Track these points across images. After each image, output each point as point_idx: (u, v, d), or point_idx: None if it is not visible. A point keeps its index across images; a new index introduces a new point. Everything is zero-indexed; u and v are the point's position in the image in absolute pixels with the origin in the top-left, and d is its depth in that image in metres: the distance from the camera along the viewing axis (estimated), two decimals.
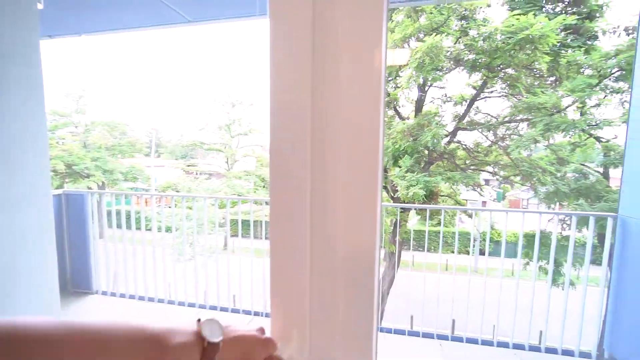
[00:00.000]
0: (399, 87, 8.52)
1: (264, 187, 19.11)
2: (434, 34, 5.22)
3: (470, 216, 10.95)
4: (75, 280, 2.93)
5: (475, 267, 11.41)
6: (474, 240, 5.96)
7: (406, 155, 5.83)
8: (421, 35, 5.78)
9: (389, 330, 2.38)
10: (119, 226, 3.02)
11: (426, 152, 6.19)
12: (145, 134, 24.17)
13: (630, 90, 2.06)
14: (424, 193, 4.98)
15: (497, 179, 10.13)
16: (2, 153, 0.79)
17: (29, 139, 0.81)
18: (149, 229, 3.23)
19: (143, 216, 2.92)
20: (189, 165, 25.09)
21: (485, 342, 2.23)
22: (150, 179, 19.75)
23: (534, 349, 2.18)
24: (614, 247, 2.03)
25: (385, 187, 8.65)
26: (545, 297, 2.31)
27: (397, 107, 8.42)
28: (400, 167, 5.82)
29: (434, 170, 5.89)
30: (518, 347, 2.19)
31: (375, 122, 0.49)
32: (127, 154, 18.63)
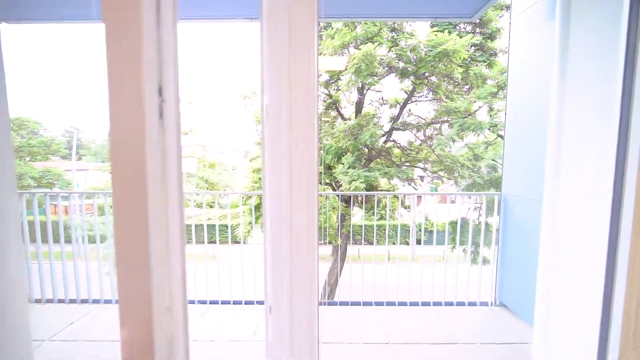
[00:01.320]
0: (340, 90, 9.09)
1: (207, 188, 18.29)
2: (369, 42, 5.77)
3: (407, 208, 12.05)
4: None
5: (413, 254, 12.64)
6: (412, 229, 6.71)
7: (348, 153, 6.32)
8: (358, 43, 6.31)
9: (333, 303, 2.72)
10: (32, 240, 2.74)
11: (366, 150, 6.77)
12: (62, 133, 21.20)
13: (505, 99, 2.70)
14: (365, 187, 5.50)
15: (428, 175, 11.42)
16: None
17: None
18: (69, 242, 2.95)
19: (61, 226, 2.68)
20: None
21: (413, 304, 2.70)
22: (72, 184, 17.40)
23: (449, 304, 2.72)
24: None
25: (329, 184, 9.13)
26: (463, 273, 2.88)
27: (340, 108, 8.97)
28: (343, 164, 6.28)
29: (373, 167, 6.48)
30: (437, 304, 2.71)
31: (312, 118, 0.76)
32: (40, 156, 16.15)
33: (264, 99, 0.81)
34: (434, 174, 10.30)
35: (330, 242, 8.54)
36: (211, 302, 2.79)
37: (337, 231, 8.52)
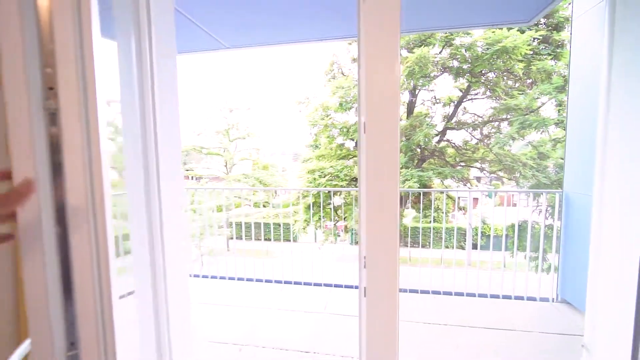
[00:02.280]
0: None
1: (263, 189, 19.56)
2: (422, 45, 5.89)
3: (462, 210, 11.65)
4: None
5: (469, 260, 12.08)
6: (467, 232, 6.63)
7: (400, 154, 6.50)
8: (411, 46, 6.46)
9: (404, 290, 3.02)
10: None
11: (418, 150, 6.86)
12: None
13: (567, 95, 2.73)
14: (418, 186, 5.64)
15: (487, 176, 10.90)
16: None
17: None
18: None
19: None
20: (187, 170, 25.46)
21: (469, 294, 2.87)
22: None
23: (506, 297, 2.82)
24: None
25: None
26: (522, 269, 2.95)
27: None
28: None
29: (426, 166, 6.56)
30: (494, 296, 2.83)
31: (395, 121, 1.10)
32: None
33: (361, 118, 1.19)
34: (493, 174, 9.83)
35: None
36: (285, 282, 3.28)
37: None
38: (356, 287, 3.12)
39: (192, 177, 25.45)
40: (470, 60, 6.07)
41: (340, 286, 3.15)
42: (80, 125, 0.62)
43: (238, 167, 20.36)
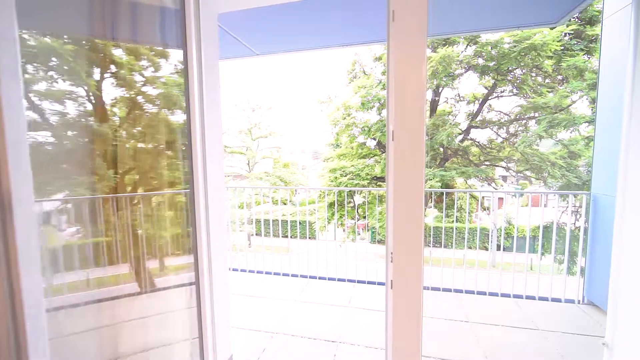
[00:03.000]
0: None
1: (284, 185, 19.92)
2: (447, 45, 5.85)
3: (486, 210, 11.37)
4: None
5: (493, 261, 11.78)
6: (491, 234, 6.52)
7: None
8: (435, 46, 6.41)
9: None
10: None
11: (441, 149, 6.81)
12: None
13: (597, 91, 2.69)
14: (440, 186, 5.62)
15: (513, 175, 10.58)
16: None
17: None
18: None
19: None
20: None
21: (492, 294, 2.91)
22: None
23: (530, 297, 2.83)
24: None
25: None
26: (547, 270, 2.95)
27: None
28: None
29: (449, 166, 6.51)
30: (517, 296, 2.85)
31: (420, 131, 1.22)
32: None
33: (390, 126, 1.31)
34: (519, 174, 9.54)
35: None
36: (310, 277, 3.45)
37: None
38: (379, 284, 3.24)
39: None
40: (496, 58, 5.95)
41: (364, 282, 3.28)
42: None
43: (260, 165, 20.86)
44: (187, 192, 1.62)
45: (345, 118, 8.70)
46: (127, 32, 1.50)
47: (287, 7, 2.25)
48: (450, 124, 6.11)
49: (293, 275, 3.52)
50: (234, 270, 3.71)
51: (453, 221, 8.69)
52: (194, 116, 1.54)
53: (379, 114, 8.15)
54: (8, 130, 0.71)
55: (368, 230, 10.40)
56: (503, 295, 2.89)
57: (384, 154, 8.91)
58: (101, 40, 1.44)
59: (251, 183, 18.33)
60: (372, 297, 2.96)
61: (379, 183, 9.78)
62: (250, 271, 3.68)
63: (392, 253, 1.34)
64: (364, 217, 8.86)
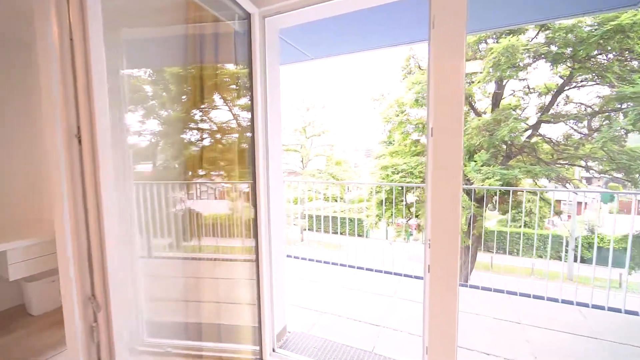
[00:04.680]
0: (473, 83, 8.60)
1: (335, 184, 20.27)
2: (511, 34, 5.44)
3: (559, 214, 10.19)
4: None
5: (570, 273, 10.48)
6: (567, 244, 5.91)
7: (482, 151, 6.12)
8: (497, 35, 5.99)
9: (464, 285, 3.06)
10: None
11: (504, 146, 6.34)
12: None
13: None
14: (501, 184, 5.27)
15: (594, 175, 9.27)
16: None
17: None
18: None
19: None
20: None
21: (551, 299, 2.74)
22: None
23: (598, 307, 2.60)
24: None
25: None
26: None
27: (473, 102, 8.53)
28: (475, 161, 6.14)
29: (513, 164, 6.04)
30: (582, 305, 2.64)
31: (458, 119, 1.32)
32: None
33: (429, 123, 1.43)
34: (604, 174, 8.31)
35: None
36: (358, 267, 3.63)
37: (468, 232, 8.22)
38: None
39: None
40: (573, 44, 5.34)
41: (410, 276, 3.34)
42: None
43: (313, 163, 21.53)
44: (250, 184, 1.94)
45: (398, 115, 8.59)
46: (211, 56, 1.87)
47: (339, 17, 2.45)
48: (515, 118, 5.65)
49: (342, 265, 3.74)
50: (288, 256, 4.06)
51: (521, 226, 7.99)
52: (257, 117, 1.84)
53: None
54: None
55: (420, 231, 10.11)
56: (565, 301, 2.71)
57: None
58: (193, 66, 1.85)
59: (304, 179, 19.08)
60: (417, 290, 3.02)
61: None
62: (302, 258, 3.99)
63: (429, 240, 1.46)
64: (417, 216, 8.65)
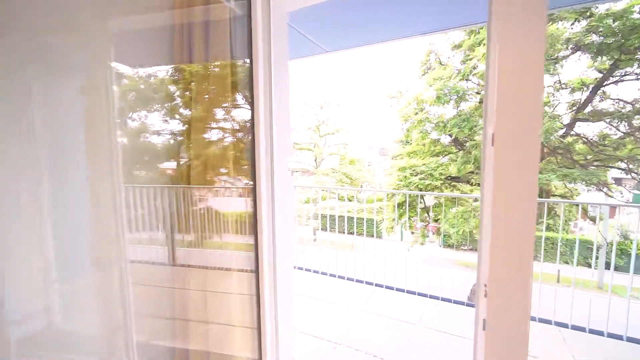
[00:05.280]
0: None
1: (350, 183, 19.86)
2: (550, 22, 4.88)
3: (591, 220, 9.47)
4: None
5: (601, 282, 9.74)
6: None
7: None
8: None
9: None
10: None
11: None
12: None
13: None
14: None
15: (633, 177, 8.51)
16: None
17: None
18: None
19: None
20: None
21: (614, 335, 2.28)
22: None
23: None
24: None
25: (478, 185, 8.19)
26: None
27: None
28: None
29: (544, 166, 5.48)
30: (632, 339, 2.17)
31: (535, 132, 0.92)
32: None
33: (488, 129, 1.04)
34: None
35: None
36: (377, 285, 3.25)
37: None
38: (456, 302, 2.86)
39: (287, 170, 27.72)
40: (621, 32, 4.73)
41: (437, 298, 2.94)
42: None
43: (326, 162, 21.16)
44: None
45: (417, 113, 8.10)
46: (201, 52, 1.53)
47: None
48: (550, 116, 5.08)
49: (358, 281, 3.37)
50: (298, 268, 3.73)
51: (542, 230, 7.39)
52: (259, 118, 1.50)
53: (457, 107, 7.35)
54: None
55: (440, 235, 9.59)
56: (631, 339, 2.24)
57: (460, 152, 8.04)
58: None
59: (317, 179, 18.71)
60: (447, 318, 2.62)
61: (453, 184, 8.90)
62: (314, 271, 3.65)
63: (485, 285, 1.08)
64: (436, 220, 8.16)
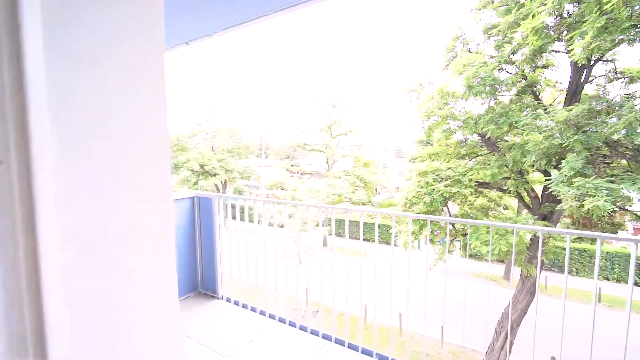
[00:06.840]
0: (539, 67, 6.69)
1: (363, 187, 18.67)
2: None
3: None
4: (205, 283, 3.02)
5: None
6: None
7: (569, 154, 4.33)
8: None
9: None
10: (233, 217, 3.08)
11: (606, 147, 4.49)
12: (256, 137, 26.99)
13: None
14: (610, 207, 3.47)
15: None
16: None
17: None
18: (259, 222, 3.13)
19: (256, 211, 3.01)
20: (292, 166, 26.95)
21: None
22: (260, 177, 21.92)
23: None
24: None
25: (519, 195, 6.90)
26: None
27: (538, 92, 6.64)
28: (559, 169, 4.36)
29: (619, 174, 4.19)
30: None
31: None
32: (243, 156, 21.15)
33: None
34: None
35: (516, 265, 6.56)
36: None
37: (529, 257, 6.38)
38: None
39: (297, 173, 26.82)
40: None
41: None
42: None
43: (339, 164, 20.04)
44: None
45: (441, 108, 6.90)
46: None
47: None
48: (631, 108, 3.80)
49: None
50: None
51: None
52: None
53: (495, 97, 6.11)
54: None
55: (464, 251, 8.31)
56: None
57: (492, 154, 6.79)
58: None
59: (329, 182, 17.60)
60: None
61: (480, 189, 7.63)
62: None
63: None
64: (463, 235, 6.91)
